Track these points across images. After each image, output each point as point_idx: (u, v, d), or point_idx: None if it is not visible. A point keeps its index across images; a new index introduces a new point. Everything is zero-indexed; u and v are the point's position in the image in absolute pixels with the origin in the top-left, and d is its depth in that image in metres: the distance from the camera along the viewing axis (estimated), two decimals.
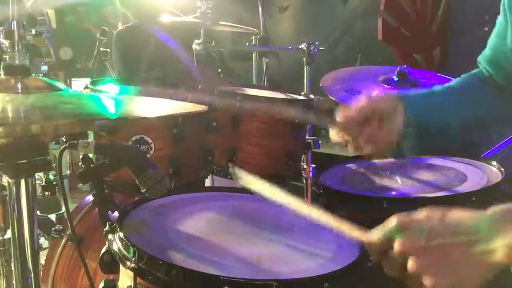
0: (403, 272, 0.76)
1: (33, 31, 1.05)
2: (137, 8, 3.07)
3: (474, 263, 0.72)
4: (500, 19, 1.21)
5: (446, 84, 1.28)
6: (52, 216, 3.16)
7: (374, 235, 0.81)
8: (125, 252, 1.01)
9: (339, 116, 1.16)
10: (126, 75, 2.89)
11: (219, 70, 3.07)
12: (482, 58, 1.29)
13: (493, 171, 1.64)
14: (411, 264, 0.74)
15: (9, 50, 0.99)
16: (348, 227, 0.87)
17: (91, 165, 1.08)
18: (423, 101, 1.21)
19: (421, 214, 0.79)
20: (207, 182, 2.19)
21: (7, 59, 0.99)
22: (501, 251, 0.71)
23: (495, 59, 1.24)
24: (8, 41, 1.00)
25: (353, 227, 0.86)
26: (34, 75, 1.04)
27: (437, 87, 1.27)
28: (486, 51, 1.27)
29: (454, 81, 1.30)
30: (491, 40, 1.26)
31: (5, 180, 1.05)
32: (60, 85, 1.02)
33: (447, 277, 0.73)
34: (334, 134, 1.19)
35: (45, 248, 1.86)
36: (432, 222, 0.77)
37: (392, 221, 0.79)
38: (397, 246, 0.76)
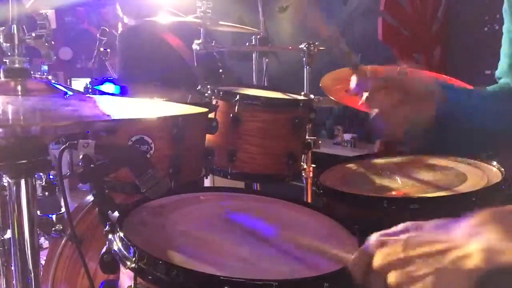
0: None
1: (33, 34, 1.06)
2: (136, 14, 3.08)
3: (452, 270, 0.71)
4: (507, 26, 1.16)
5: (484, 89, 1.22)
6: (52, 216, 3.16)
7: (354, 255, 0.81)
8: (125, 252, 1.01)
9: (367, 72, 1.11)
10: (129, 76, 2.89)
11: (220, 70, 3.07)
12: (501, 71, 1.22)
13: (493, 171, 1.64)
14: (390, 277, 0.73)
15: (9, 53, 0.99)
16: (332, 250, 0.88)
17: (91, 165, 1.08)
18: (463, 97, 1.14)
19: (398, 227, 0.79)
20: (207, 182, 2.19)
21: (7, 62, 0.99)
22: (477, 256, 0.69)
23: None
24: (8, 44, 1.00)
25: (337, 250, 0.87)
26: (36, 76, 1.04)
27: (476, 89, 1.21)
28: (503, 63, 1.21)
29: (491, 87, 1.23)
30: (505, 50, 1.20)
31: (5, 180, 1.05)
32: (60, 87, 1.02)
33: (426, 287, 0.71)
34: (353, 81, 1.12)
35: (45, 248, 1.86)
36: (408, 234, 0.76)
37: (371, 239, 0.79)
38: (375, 261, 0.76)
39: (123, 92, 1.93)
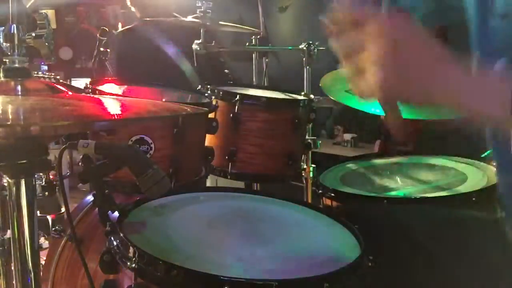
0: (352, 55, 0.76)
1: (33, 34, 1.06)
2: (144, 7, 3.08)
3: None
4: None
5: None
6: (52, 216, 3.16)
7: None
8: (125, 252, 1.01)
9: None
10: (126, 76, 2.90)
11: (226, 70, 3.06)
12: None
13: (493, 171, 1.64)
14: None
15: (9, 53, 0.99)
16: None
17: (91, 165, 1.08)
18: None
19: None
20: (208, 183, 2.17)
21: (7, 62, 0.99)
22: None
23: None
24: (8, 44, 1.00)
25: None
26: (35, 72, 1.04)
27: None
28: None
29: None
30: None
31: (5, 180, 1.05)
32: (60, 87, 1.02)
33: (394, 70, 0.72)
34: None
35: (45, 248, 1.86)
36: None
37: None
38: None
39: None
